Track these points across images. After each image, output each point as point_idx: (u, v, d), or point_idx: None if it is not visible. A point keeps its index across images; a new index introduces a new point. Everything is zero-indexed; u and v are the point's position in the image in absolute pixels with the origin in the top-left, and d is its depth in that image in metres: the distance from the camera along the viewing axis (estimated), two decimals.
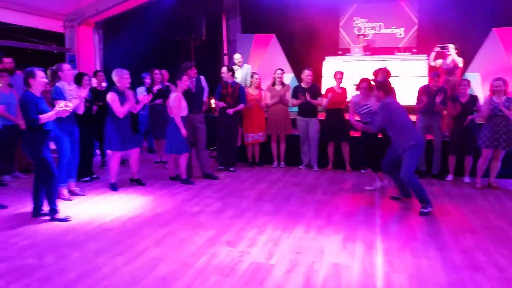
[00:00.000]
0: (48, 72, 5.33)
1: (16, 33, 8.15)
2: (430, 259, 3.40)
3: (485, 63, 8.63)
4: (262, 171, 6.65)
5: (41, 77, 4.19)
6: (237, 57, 8.00)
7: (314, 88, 6.59)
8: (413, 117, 6.45)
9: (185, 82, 5.64)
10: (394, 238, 3.87)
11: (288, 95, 6.71)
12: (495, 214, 4.60)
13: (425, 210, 4.55)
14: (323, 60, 9.04)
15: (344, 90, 6.47)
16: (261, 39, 9.99)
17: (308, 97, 6.37)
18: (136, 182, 5.67)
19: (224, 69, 6.44)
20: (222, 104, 6.30)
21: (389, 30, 9.88)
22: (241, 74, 7.83)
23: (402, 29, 9.76)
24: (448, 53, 7.35)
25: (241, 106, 6.39)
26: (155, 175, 6.24)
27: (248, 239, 3.78)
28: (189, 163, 5.96)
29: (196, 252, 3.49)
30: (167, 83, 6.84)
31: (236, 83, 6.50)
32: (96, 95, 5.88)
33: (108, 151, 5.56)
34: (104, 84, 6.54)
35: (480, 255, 3.47)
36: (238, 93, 6.34)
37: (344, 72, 6.67)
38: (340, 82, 6.48)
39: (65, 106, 4.08)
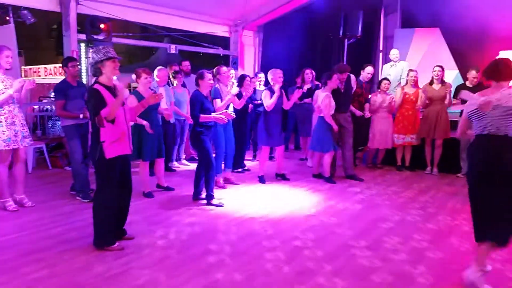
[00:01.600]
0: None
1: (191, 38, 9.38)
2: None
3: None
4: (412, 176, 6.22)
5: (208, 79, 4.75)
6: (394, 52, 7.59)
7: (481, 89, 5.80)
8: None
9: (335, 81, 5.65)
10: None
11: (449, 95, 6.08)
12: None
13: None
14: (497, 55, 7.88)
15: None
16: (422, 34, 9.25)
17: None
18: (281, 177, 5.94)
19: (368, 68, 6.25)
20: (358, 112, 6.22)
21: None
22: (395, 71, 7.41)
23: None
24: None
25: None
26: (299, 172, 6.43)
27: (388, 246, 3.60)
28: (333, 162, 5.95)
29: (335, 251, 3.50)
30: (317, 82, 6.94)
31: (368, 83, 6.23)
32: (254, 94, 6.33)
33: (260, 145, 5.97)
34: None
35: None
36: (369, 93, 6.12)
37: None
38: None
39: (224, 117, 4.68)
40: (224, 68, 5.31)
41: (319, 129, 5.68)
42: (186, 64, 7.22)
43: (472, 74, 5.92)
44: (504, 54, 7.86)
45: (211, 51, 10.02)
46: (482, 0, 8.10)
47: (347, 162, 5.98)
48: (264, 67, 9.50)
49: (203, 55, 11.31)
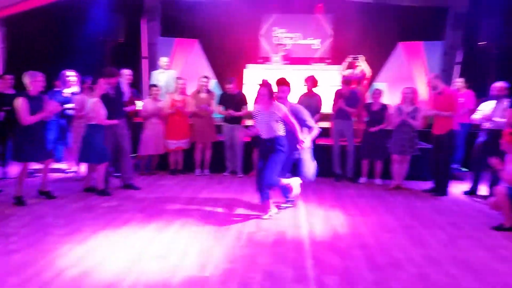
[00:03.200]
0: None
1: None
2: (355, 259, 3.58)
3: (391, 74, 9.48)
4: (185, 179, 6.49)
5: None
6: (164, 60, 7.77)
7: (240, 96, 6.64)
8: (327, 124, 6.88)
9: (102, 86, 5.30)
10: (321, 240, 4.02)
11: (213, 103, 6.67)
12: (406, 213, 5.01)
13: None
14: (244, 68, 9.16)
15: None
16: (183, 44, 9.81)
17: (232, 112, 6.50)
18: (45, 195, 5.14)
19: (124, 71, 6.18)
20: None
21: (306, 41, 10.33)
22: (165, 78, 7.62)
23: (318, 40, 10.28)
24: (357, 64, 7.86)
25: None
26: (66, 187, 5.74)
27: (178, 252, 3.63)
28: (107, 173, 5.55)
29: (123, 269, 3.26)
30: (83, 87, 6.36)
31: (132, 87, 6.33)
32: (3, 100, 5.24)
33: (17, 162, 4.97)
34: None
35: (399, 253, 3.74)
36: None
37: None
38: None
39: None
40: None
41: (90, 139, 5.20)
42: None
43: (228, 83, 6.65)
44: (250, 66, 9.22)
45: None
46: (231, 16, 9.23)
47: (126, 171, 5.71)
48: (11, 68, 8.05)
49: None
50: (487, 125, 5.71)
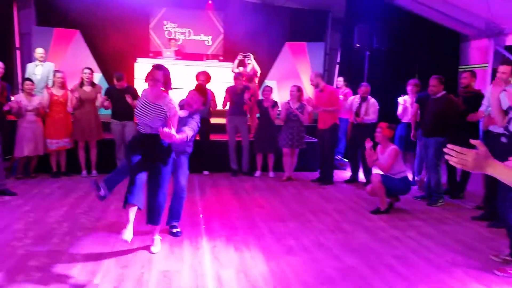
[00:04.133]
0: None
1: None
2: (251, 250, 3.68)
3: (280, 72, 9.94)
4: (70, 182, 5.95)
5: None
6: (39, 51, 6.98)
7: (131, 91, 6.30)
8: (223, 120, 6.96)
9: None
10: (218, 235, 4.04)
11: (100, 96, 6.23)
12: (297, 202, 5.32)
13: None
14: (135, 61, 8.76)
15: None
16: (62, 34, 8.97)
17: (129, 99, 6.05)
18: None
19: None
20: None
21: (198, 37, 10.26)
22: (42, 71, 6.88)
23: (210, 37, 10.29)
24: (248, 62, 8.06)
25: None
26: None
27: (64, 261, 3.33)
28: None
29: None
30: None
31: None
32: None
33: None
34: None
35: (291, 240, 3.95)
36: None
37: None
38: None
39: None
40: None
41: None
42: None
43: (117, 79, 6.25)
44: (140, 60, 8.85)
45: None
46: (117, 7, 8.71)
47: None
48: None
49: None
50: (353, 119, 6.42)
